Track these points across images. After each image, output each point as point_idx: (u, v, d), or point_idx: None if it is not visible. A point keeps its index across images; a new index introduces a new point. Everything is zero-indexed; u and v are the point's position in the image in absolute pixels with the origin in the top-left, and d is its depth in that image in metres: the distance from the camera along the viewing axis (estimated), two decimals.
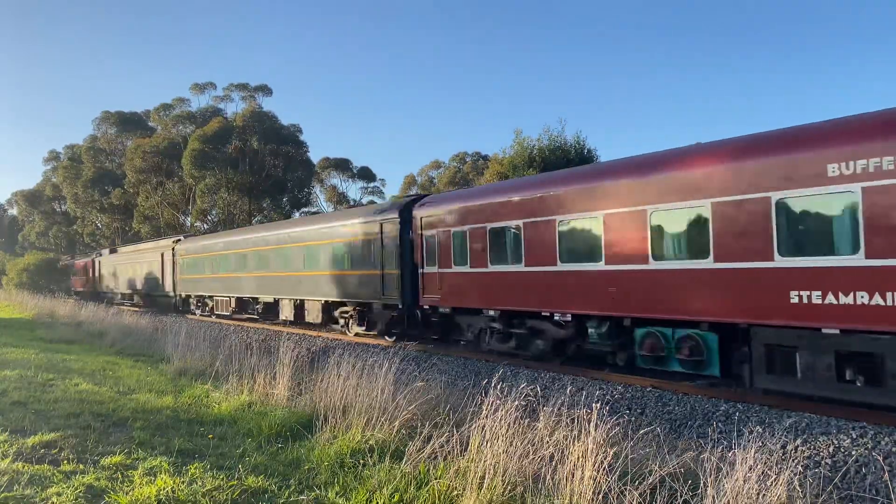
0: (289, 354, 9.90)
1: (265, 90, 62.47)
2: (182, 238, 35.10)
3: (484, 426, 5.75)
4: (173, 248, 33.96)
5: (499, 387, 6.32)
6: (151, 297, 37.87)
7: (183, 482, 5.59)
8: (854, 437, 7.64)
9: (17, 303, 42.71)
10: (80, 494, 5.29)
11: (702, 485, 4.87)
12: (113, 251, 48.64)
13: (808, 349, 8.88)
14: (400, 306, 17.05)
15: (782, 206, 9.07)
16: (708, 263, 9.96)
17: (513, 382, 7.75)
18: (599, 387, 10.82)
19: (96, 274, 49.74)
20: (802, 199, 8.88)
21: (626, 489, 4.79)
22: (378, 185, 76.41)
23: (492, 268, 14.36)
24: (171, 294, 34.15)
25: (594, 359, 12.74)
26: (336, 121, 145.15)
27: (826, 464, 7.09)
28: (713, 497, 4.65)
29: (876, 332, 8.21)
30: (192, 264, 31.44)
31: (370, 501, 5.35)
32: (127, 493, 5.30)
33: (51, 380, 10.91)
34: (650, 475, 5.09)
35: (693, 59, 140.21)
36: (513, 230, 13.81)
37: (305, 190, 60.70)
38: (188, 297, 32.79)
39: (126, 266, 42.03)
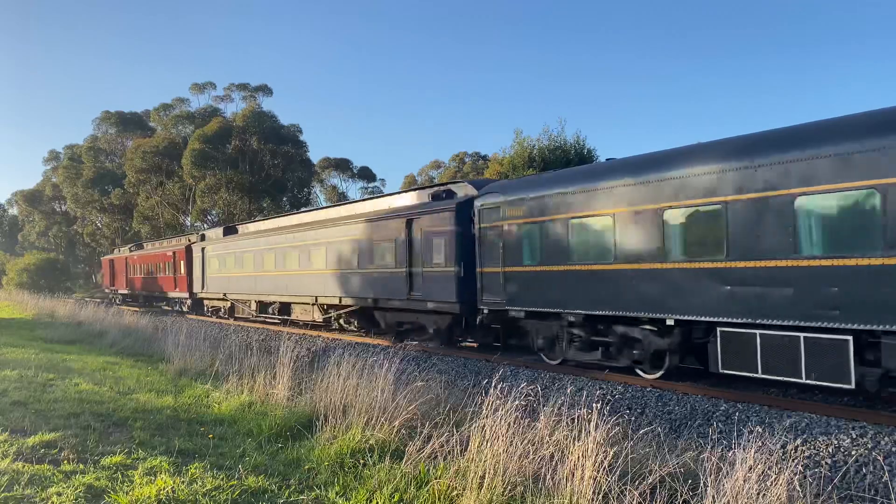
0: (289, 354, 9.88)
1: (265, 90, 62.65)
2: (485, 185, 15.41)
3: (484, 426, 5.74)
4: (460, 205, 15.13)
5: (499, 387, 6.32)
6: (366, 310, 18.87)
7: (183, 482, 5.59)
8: (854, 437, 7.64)
9: (17, 303, 42.68)
10: (80, 494, 5.29)
11: (702, 485, 4.87)
12: (230, 230, 30.23)
13: None
14: None
15: None
16: None
17: (513, 382, 7.75)
18: (599, 387, 10.82)
19: (197, 271, 31.30)
20: None
21: (626, 489, 4.78)
22: (378, 185, 76.54)
23: None
24: (454, 307, 15.11)
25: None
26: (336, 121, 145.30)
27: (826, 464, 7.09)
28: (713, 497, 4.64)
29: None
30: (564, 236, 12.61)
31: (370, 501, 5.35)
32: (127, 493, 5.29)
33: (51, 380, 10.90)
34: (650, 475, 5.09)
35: (694, 59, 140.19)
36: None
37: (305, 190, 60.81)
38: (535, 315, 13.36)
39: (280, 254, 22.86)
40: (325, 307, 21.24)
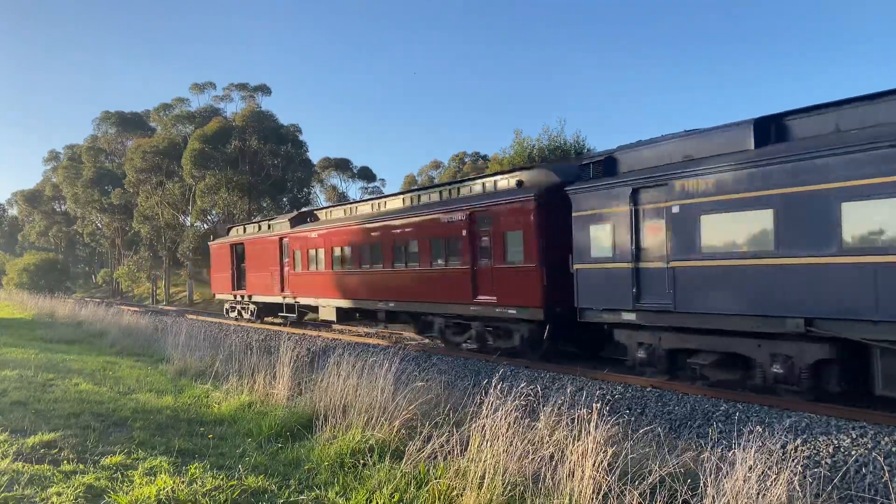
0: (289, 354, 9.89)
1: (264, 90, 62.59)
2: None
3: (484, 426, 5.74)
4: None
5: (499, 387, 6.32)
6: None
7: (183, 482, 5.58)
8: (854, 437, 7.64)
9: (17, 303, 42.65)
10: (80, 494, 5.29)
11: (702, 485, 4.87)
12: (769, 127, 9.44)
13: None
14: None
15: None
16: None
17: (513, 382, 7.75)
18: (599, 387, 10.81)
19: (626, 250, 11.08)
20: None
21: (626, 489, 4.79)
22: (378, 185, 76.40)
23: None
24: None
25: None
26: (336, 121, 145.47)
27: (826, 464, 7.09)
28: (713, 497, 4.64)
29: None
30: None
31: (370, 501, 5.35)
32: (127, 493, 5.29)
33: (51, 380, 10.90)
34: (650, 475, 5.09)
35: (695, 59, 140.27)
36: None
37: (305, 190, 60.73)
38: None
39: None
40: None
